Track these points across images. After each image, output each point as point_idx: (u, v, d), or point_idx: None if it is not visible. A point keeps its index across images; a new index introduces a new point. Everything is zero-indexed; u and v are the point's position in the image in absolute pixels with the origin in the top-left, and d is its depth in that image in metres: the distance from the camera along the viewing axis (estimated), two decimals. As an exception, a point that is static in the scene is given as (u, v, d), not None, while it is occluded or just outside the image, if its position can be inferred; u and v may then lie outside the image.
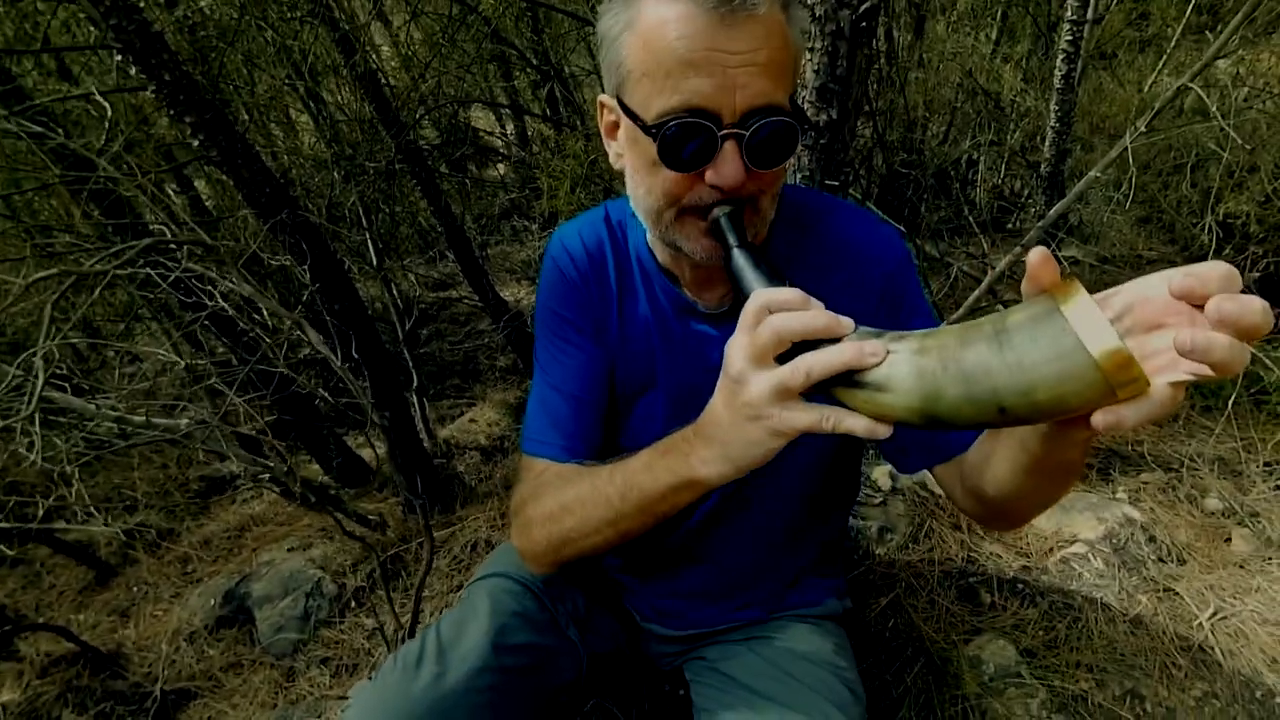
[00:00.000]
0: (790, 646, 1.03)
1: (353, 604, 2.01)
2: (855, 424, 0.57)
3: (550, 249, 1.00)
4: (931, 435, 0.87)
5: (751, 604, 1.10)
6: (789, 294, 0.61)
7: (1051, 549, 1.77)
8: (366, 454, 2.58)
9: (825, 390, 0.59)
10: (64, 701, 1.98)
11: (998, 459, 0.73)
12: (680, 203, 0.75)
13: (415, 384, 2.48)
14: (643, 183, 0.77)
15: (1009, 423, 0.50)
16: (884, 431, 0.57)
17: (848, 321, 0.59)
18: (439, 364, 3.22)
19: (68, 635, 2.01)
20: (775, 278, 0.68)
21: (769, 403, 0.60)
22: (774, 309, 0.60)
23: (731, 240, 0.72)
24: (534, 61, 2.86)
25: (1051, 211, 2.06)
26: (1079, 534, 1.79)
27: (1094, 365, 0.44)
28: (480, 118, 5.15)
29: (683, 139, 0.69)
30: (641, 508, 0.78)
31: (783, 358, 0.60)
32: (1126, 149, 1.75)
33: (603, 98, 0.80)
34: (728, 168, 0.70)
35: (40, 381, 1.09)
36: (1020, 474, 0.68)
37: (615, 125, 0.79)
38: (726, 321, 0.92)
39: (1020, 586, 1.64)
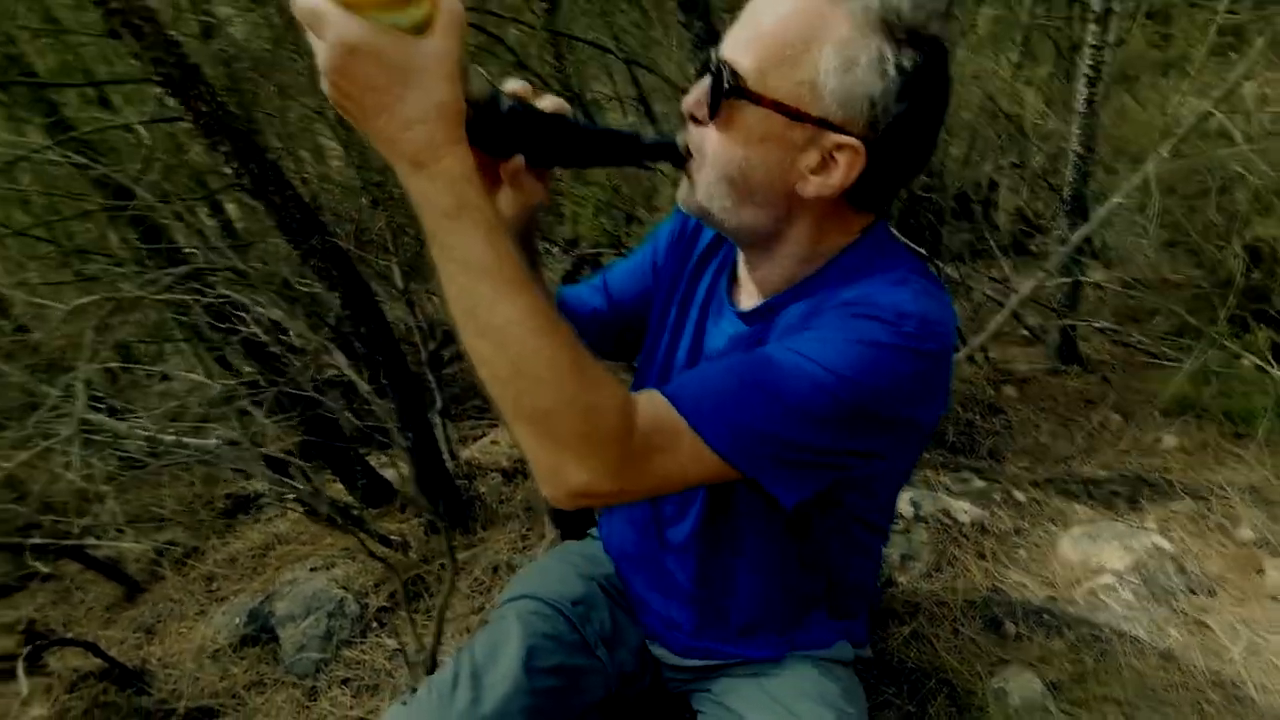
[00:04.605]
0: (796, 685, 1.02)
1: (374, 624, 2.03)
2: None
3: None
4: None
5: (756, 635, 1.09)
6: None
7: (1079, 579, 1.75)
8: (390, 474, 2.61)
9: None
10: (91, 717, 2.01)
11: None
12: None
13: (439, 405, 2.50)
14: None
15: None
16: None
17: None
18: (462, 385, 3.25)
19: (96, 651, 2.04)
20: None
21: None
22: None
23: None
24: (555, 88, 2.91)
25: (1074, 237, 2.05)
26: (1106, 564, 1.76)
27: None
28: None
29: None
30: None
31: None
32: (1149, 174, 1.74)
33: None
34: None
35: (80, 404, 1.12)
36: None
37: None
38: (749, 322, 0.93)
39: (1046, 617, 1.62)
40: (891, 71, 0.71)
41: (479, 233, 0.63)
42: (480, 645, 1.00)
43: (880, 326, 0.74)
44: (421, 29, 0.59)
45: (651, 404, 0.73)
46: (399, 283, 2.38)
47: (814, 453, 0.75)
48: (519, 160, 0.76)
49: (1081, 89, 2.66)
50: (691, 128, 0.81)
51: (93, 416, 1.45)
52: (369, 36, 0.56)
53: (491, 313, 0.64)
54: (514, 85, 0.76)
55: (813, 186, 0.77)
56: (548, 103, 0.78)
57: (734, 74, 0.74)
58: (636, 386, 1.12)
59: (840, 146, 0.74)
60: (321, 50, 0.57)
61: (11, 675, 1.92)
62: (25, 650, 1.93)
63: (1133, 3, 3.22)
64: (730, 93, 0.74)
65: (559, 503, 0.72)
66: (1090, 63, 2.62)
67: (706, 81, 0.76)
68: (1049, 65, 4.11)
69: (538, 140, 0.76)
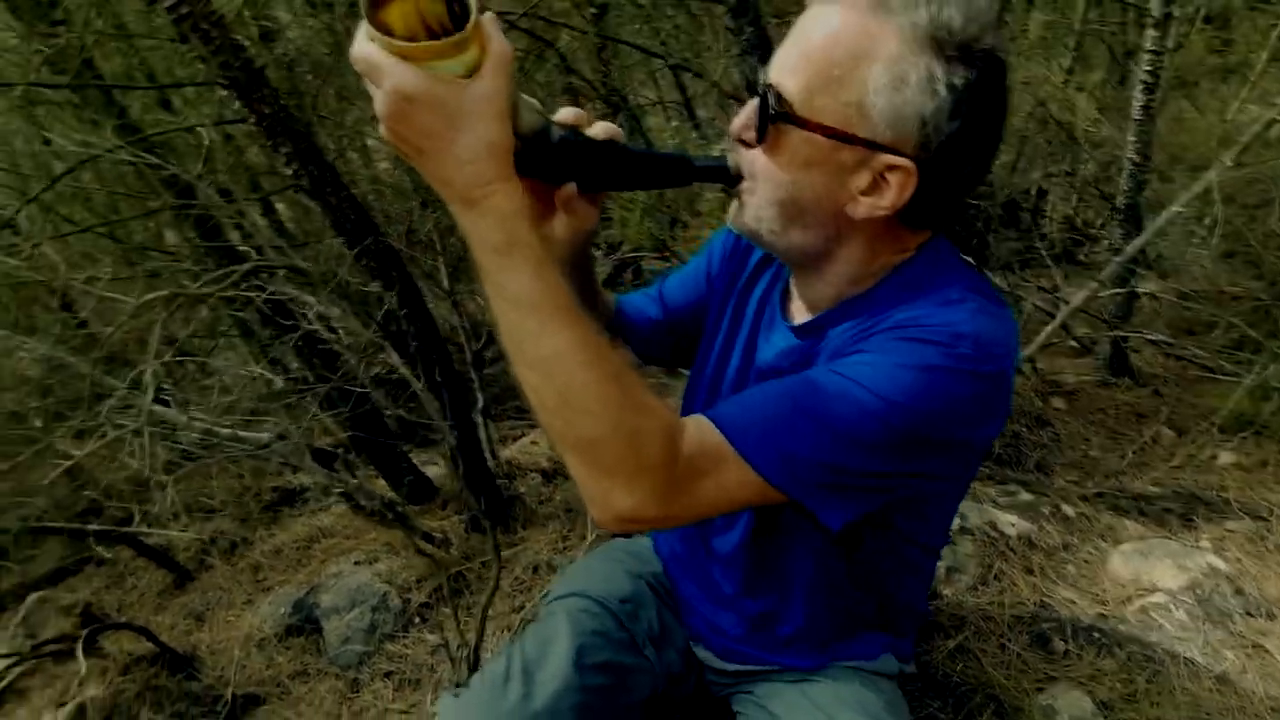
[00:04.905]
0: (838, 694, 1.02)
1: (416, 619, 2.06)
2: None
3: None
4: None
5: (800, 647, 1.08)
6: None
7: (1130, 597, 1.70)
8: (432, 471, 2.65)
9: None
10: (143, 699, 2.07)
11: None
12: None
13: (481, 405, 2.53)
14: None
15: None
16: None
17: None
18: (502, 386, 3.28)
19: (149, 636, 2.11)
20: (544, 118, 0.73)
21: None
22: None
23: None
24: (601, 92, 2.94)
25: (1130, 247, 2.01)
26: (1159, 583, 1.72)
27: None
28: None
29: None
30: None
31: None
32: (1212, 183, 1.70)
33: None
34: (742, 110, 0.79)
35: (149, 397, 1.16)
36: None
37: None
38: (801, 336, 0.93)
39: (1096, 635, 1.58)
40: (942, 90, 0.69)
41: (528, 268, 0.65)
42: (530, 642, 1.02)
43: (933, 349, 0.72)
44: (472, 72, 0.62)
45: (698, 429, 0.74)
46: (445, 283, 2.41)
47: (862, 477, 0.75)
48: (571, 187, 0.77)
49: (1138, 95, 2.59)
50: (741, 150, 0.81)
51: (156, 408, 1.50)
52: (423, 85, 0.58)
53: (539, 345, 0.66)
54: (565, 114, 0.77)
55: (864, 208, 0.76)
56: (599, 129, 0.79)
57: (779, 98, 0.73)
58: (688, 395, 1.13)
59: (892, 167, 0.73)
60: (379, 98, 0.60)
61: (70, 655, 1.99)
62: (83, 633, 2.00)
63: (1192, 7, 3.13)
64: (776, 117, 0.74)
65: (606, 526, 0.74)
66: (1148, 68, 2.55)
67: (754, 105, 0.76)
68: (1102, 71, 4.02)
69: (589, 167, 0.77)
